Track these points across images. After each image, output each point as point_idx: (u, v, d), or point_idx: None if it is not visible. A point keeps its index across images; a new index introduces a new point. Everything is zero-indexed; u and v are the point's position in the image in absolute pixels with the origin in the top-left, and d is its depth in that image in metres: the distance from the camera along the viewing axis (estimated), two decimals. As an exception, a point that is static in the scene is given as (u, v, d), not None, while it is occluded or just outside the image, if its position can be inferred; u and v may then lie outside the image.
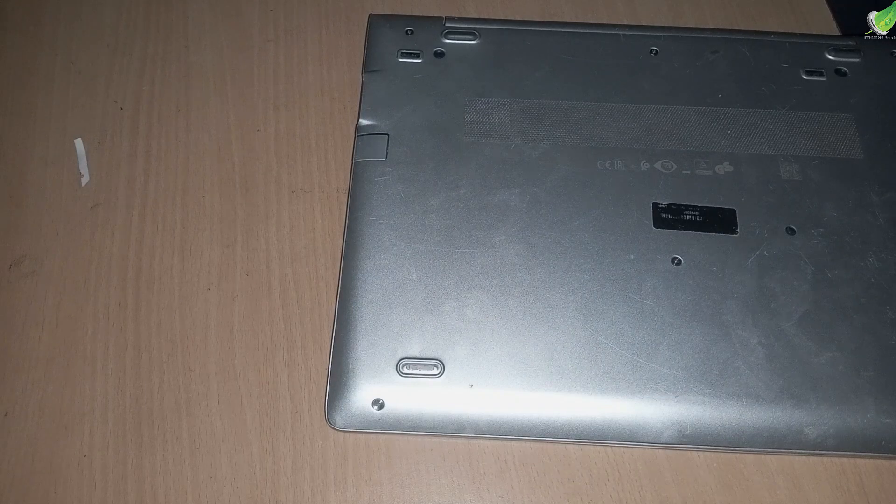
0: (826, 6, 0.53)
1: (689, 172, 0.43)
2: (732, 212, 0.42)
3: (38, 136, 0.47)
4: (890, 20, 0.46)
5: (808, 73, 0.47)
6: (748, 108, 0.46)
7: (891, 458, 0.39)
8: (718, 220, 0.42)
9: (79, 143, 0.47)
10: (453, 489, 0.38)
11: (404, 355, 0.39)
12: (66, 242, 0.44)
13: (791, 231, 0.42)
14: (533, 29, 0.49)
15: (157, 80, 0.50)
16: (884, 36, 0.47)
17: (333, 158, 0.47)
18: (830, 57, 0.47)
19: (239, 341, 0.41)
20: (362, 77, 0.47)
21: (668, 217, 0.42)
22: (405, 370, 0.38)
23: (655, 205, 0.42)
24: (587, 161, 0.44)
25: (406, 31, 0.48)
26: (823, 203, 0.43)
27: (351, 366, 0.38)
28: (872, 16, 0.47)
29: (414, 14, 0.50)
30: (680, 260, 0.41)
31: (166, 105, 0.49)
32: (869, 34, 0.47)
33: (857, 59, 0.47)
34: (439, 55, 0.47)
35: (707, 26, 0.52)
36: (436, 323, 0.39)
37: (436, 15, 0.49)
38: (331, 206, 0.45)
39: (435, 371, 0.38)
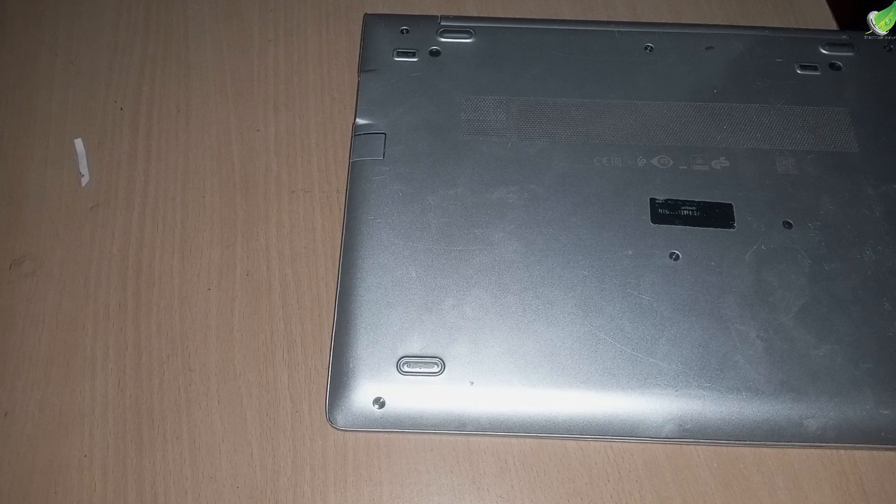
0: (825, 3, 0.51)
1: (685, 168, 0.42)
2: (729, 206, 0.40)
3: (38, 136, 0.45)
4: (890, 20, 0.44)
5: (803, 67, 0.45)
6: (743, 104, 0.44)
7: (890, 450, 0.37)
8: (716, 215, 0.40)
9: (79, 143, 0.45)
10: (453, 489, 0.36)
11: (405, 354, 0.37)
12: (66, 242, 0.42)
13: (788, 225, 0.40)
14: (528, 27, 0.47)
15: (157, 80, 0.47)
16: (884, 36, 0.45)
17: (333, 158, 0.45)
18: (824, 51, 0.46)
19: (239, 341, 0.39)
20: (359, 77, 0.45)
21: (666, 212, 0.40)
22: (406, 368, 0.36)
23: (653, 200, 0.40)
24: (584, 158, 0.42)
25: (401, 31, 0.46)
26: (820, 197, 0.41)
27: (351, 365, 0.37)
28: (872, 16, 0.45)
29: (411, 13, 0.48)
30: (678, 255, 0.39)
31: (166, 105, 0.46)
32: (869, 34, 0.46)
33: (850, 53, 0.45)
34: (435, 54, 0.45)
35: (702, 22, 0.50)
36: (435, 321, 0.37)
37: (433, 14, 0.47)
38: (331, 205, 0.43)
39: (435, 369, 0.36)
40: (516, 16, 0.50)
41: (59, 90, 0.47)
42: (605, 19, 0.49)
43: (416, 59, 0.45)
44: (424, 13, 0.48)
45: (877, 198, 0.41)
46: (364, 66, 0.45)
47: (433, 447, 0.37)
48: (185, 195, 0.43)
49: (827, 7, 0.51)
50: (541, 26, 0.47)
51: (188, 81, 0.47)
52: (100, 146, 0.45)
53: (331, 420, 0.36)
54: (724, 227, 0.39)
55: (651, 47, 0.45)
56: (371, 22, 0.47)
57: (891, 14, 0.44)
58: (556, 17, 0.49)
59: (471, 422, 0.36)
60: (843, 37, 0.46)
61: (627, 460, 0.37)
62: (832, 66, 0.45)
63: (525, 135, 0.42)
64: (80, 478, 0.36)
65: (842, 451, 0.37)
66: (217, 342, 0.39)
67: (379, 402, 0.36)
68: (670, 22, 0.49)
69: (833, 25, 0.50)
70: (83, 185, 0.43)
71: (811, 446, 0.37)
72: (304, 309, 0.40)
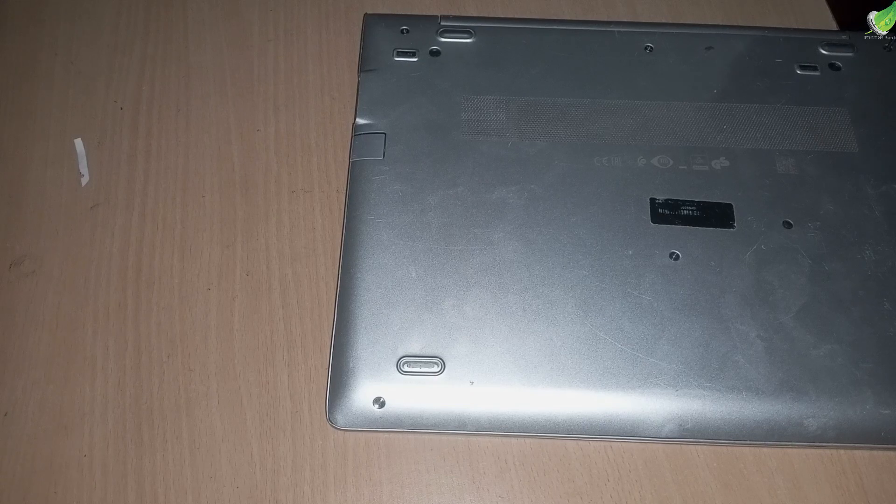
0: (825, 3, 0.51)
1: (685, 168, 0.42)
2: (729, 206, 0.40)
3: (38, 136, 0.45)
4: (890, 20, 0.44)
5: (802, 67, 0.45)
6: (743, 104, 0.44)
7: (890, 450, 0.37)
8: (716, 215, 0.40)
9: (79, 143, 0.45)
10: (453, 489, 0.36)
11: (405, 353, 0.37)
12: (66, 242, 0.42)
13: (788, 225, 0.40)
14: (528, 27, 0.47)
15: (157, 80, 0.47)
16: (884, 36, 0.45)
17: (333, 158, 0.45)
18: (824, 51, 0.46)
19: (239, 341, 0.39)
20: (359, 77, 0.45)
21: (666, 212, 0.40)
22: (406, 368, 0.36)
23: (653, 200, 0.40)
24: (584, 158, 0.42)
25: (402, 31, 0.46)
26: (820, 196, 0.41)
27: (351, 364, 0.36)
28: (872, 16, 0.45)
29: (411, 13, 0.48)
30: (678, 255, 0.39)
31: (166, 105, 0.46)
32: (869, 34, 0.46)
33: (850, 54, 0.45)
34: (435, 54, 0.45)
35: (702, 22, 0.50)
36: (435, 321, 0.37)
37: (433, 14, 0.47)
38: (331, 205, 0.43)
39: (435, 369, 0.36)
40: (516, 16, 0.49)
41: (59, 90, 0.46)
42: (605, 19, 0.49)
43: (416, 59, 0.45)
44: (424, 13, 0.48)
45: (877, 198, 0.41)
46: (364, 66, 0.45)
47: (433, 447, 0.37)
48: (185, 195, 0.43)
49: (827, 7, 0.51)
50: (541, 26, 0.47)
51: (188, 81, 0.47)
52: (100, 146, 0.45)
53: (331, 420, 0.36)
54: (724, 227, 0.39)
55: (651, 47, 0.45)
56: (371, 22, 0.47)
57: (891, 14, 0.44)
58: (556, 17, 0.49)
59: (471, 422, 0.36)
60: (843, 37, 0.46)
61: (627, 460, 0.37)
62: (832, 66, 0.45)
63: (525, 135, 0.42)
64: (80, 478, 0.36)
65: (842, 451, 0.37)
66: (217, 342, 0.39)
67: (379, 402, 0.36)
68: (670, 22, 0.49)
69: (833, 25, 0.50)
70: (83, 185, 0.43)
71: (811, 446, 0.36)
72: (304, 309, 0.40)
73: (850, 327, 0.37)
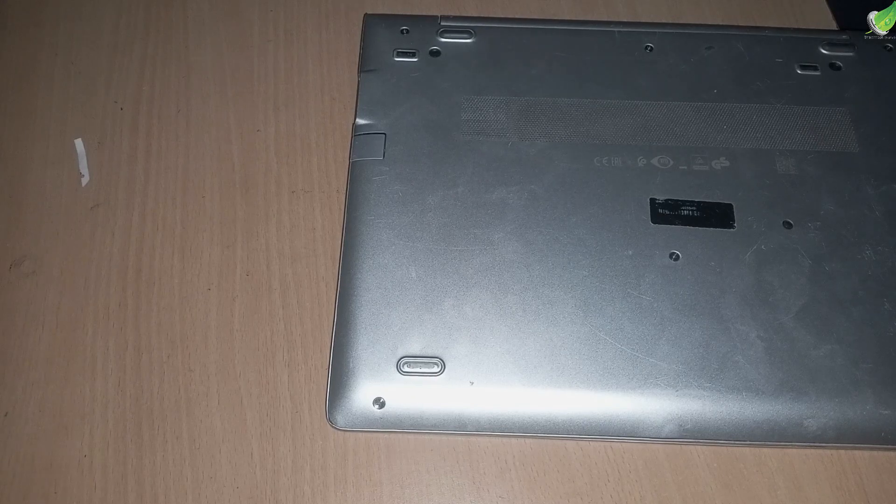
0: (825, 4, 0.51)
1: (685, 168, 0.41)
2: (729, 206, 0.40)
3: (38, 136, 0.45)
4: (890, 20, 0.44)
5: (803, 67, 0.45)
6: (743, 104, 0.44)
7: (890, 450, 0.37)
8: (716, 215, 0.40)
9: (79, 143, 0.45)
10: (453, 489, 0.36)
11: (405, 354, 0.37)
12: (66, 242, 0.42)
13: (788, 225, 0.40)
14: (528, 27, 0.47)
15: (157, 80, 0.47)
16: (884, 36, 0.45)
17: (333, 158, 0.45)
18: (824, 51, 0.45)
19: (239, 341, 0.39)
20: (359, 77, 0.45)
21: (666, 212, 0.40)
22: (406, 369, 0.36)
23: (653, 200, 0.40)
24: (584, 158, 0.42)
25: (402, 31, 0.46)
26: (820, 197, 0.41)
27: (351, 365, 0.36)
28: (872, 16, 0.45)
29: (411, 13, 0.48)
30: (678, 255, 0.39)
31: (166, 105, 0.46)
32: (869, 34, 0.46)
33: (850, 53, 0.45)
34: (435, 54, 0.45)
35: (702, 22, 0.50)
36: (435, 321, 0.37)
37: (433, 14, 0.47)
38: (331, 205, 0.43)
39: (435, 369, 0.36)
40: (516, 16, 0.49)
41: (59, 90, 0.46)
42: (605, 19, 0.49)
43: (416, 59, 0.45)
44: (424, 13, 0.48)
45: (877, 198, 0.40)
46: (364, 66, 0.45)
47: (433, 447, 0.37)
48: (185, 195, 0.43)
49: (827, 7, 0.51)
50: (541, 26, 0.46)
51: (188, 81, 0.47)
52: (100, 146, 0.45)
53: (331, 420, 0.36)
54: (724, 227, 0.39)
55: (651, 47, 0.45)
56: (371, 22, 0.47)
57: (891, 14, 0.44)
58: (556, 17, 0.49)
59: (471, 422, 0.36)
60: (843, 37, 0.46)
61: (627, 460, 0.37)
62: (832, 66, 0.45)
63: (525, 135, 0.42)
64: (80, 478, 0.36)
65: (842, 451, 0.37)
66: (217, 342, 0.39)
67: (379, 402, 0.36)
68: (670, 22, 0.49)
69: (833, 25, 0.50)
70: (83, 185, 0.43)
71: (811, 446, 0.36)
72: (304, 309, 0.40)
73: (850, 327, 0.37)
